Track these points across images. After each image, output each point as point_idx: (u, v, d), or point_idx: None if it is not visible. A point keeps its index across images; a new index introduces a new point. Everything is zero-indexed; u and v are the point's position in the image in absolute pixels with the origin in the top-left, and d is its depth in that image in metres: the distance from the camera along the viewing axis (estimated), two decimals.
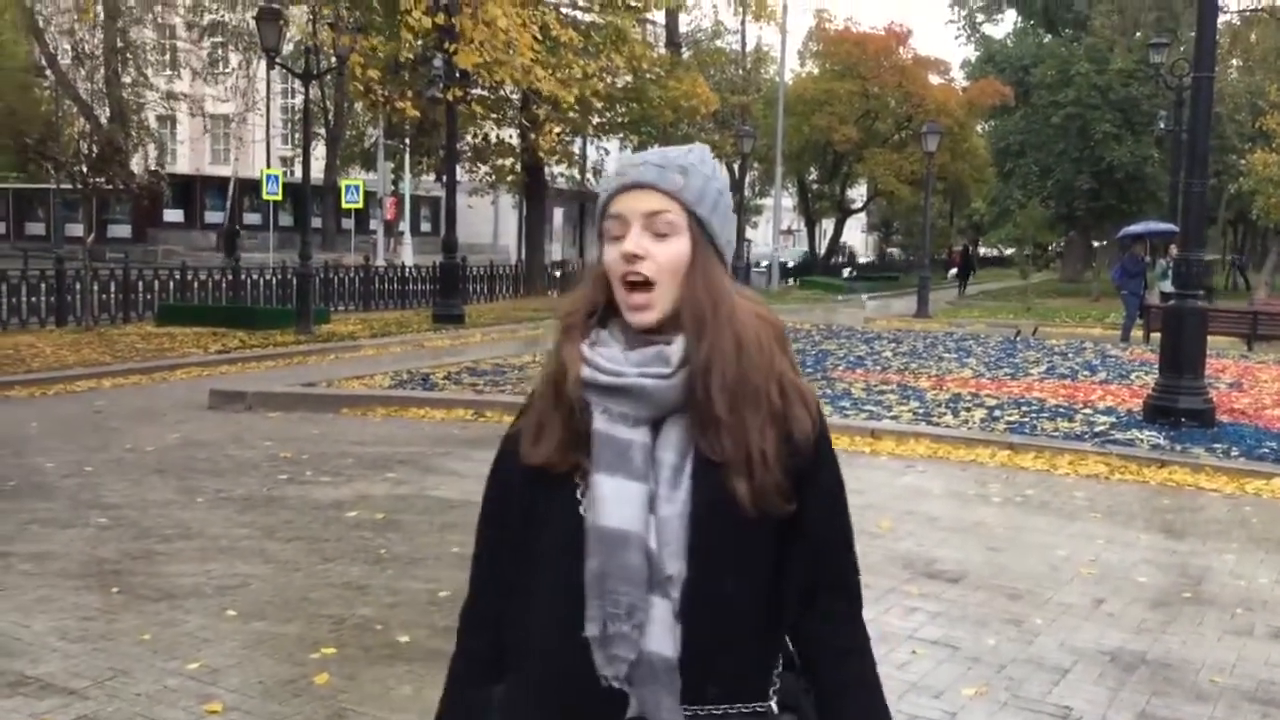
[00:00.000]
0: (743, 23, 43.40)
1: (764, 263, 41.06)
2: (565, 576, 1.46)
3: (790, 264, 46.56)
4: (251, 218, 38.11)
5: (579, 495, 1.48)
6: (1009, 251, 61.79)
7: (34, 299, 17.56)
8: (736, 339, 1.48)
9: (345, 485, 7.60)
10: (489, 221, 44.21)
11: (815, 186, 50.89)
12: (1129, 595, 5.51)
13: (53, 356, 13.98)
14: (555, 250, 39.41)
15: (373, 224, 35.13)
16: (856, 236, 73.81)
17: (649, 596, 1.43)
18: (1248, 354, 17.50)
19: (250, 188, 37.07)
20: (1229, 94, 39.61)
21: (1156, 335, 13.65)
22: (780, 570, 1.51)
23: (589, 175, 35.57)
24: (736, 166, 37.68)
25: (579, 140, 32.13)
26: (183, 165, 47.22)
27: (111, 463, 8.25)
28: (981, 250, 67.96)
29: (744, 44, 46.00)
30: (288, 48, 29.68)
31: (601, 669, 1.44)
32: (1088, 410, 10.70)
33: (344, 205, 32.97)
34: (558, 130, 24.87)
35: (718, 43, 44.37)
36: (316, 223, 35.04)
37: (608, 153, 35.53)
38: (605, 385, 1.47)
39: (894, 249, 70.44)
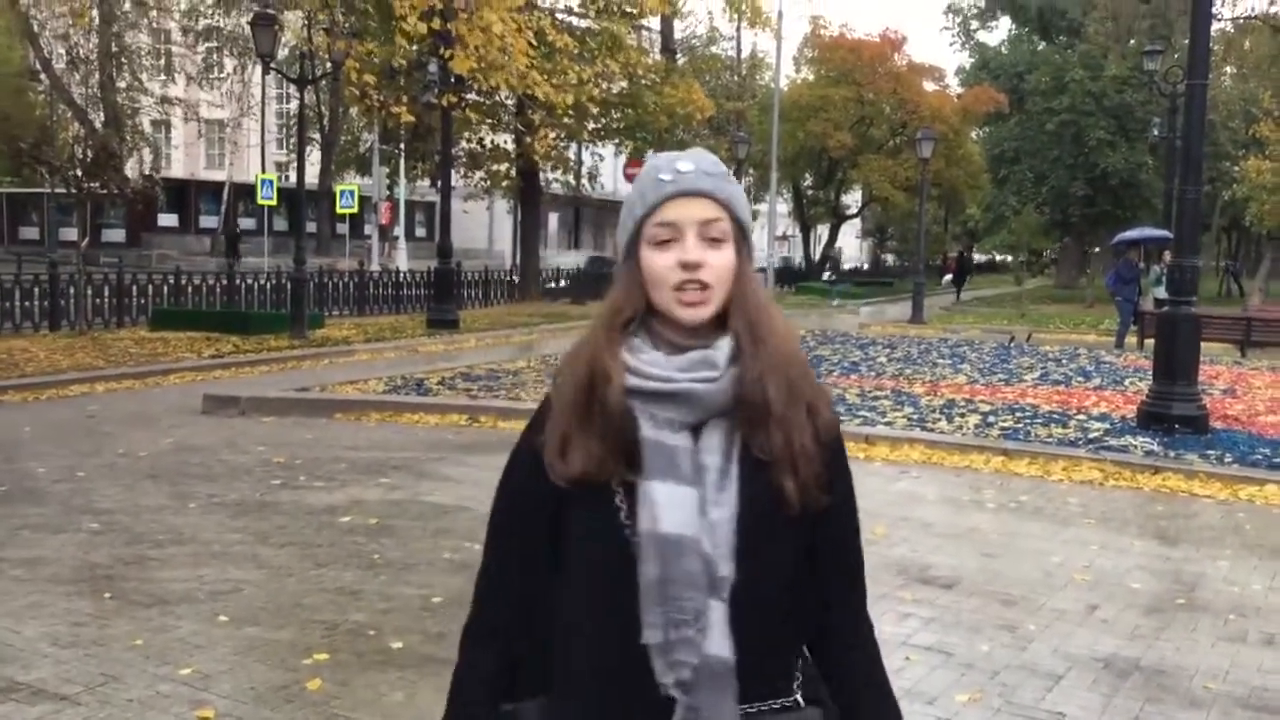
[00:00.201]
0: (738, 29, 43.61)
1: (758, 268, 41.00)
2: (614, 587, 1.45)
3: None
4: (246, 223, 38.11)
5: (618, 503, 1.47)
6: (1003, 258, 61.92)
7: (27, 303, 17.50)
8: (785, 339, 1.51)
9: (339, 490, 7.58)
10: (484, 226, 44.25)
11: (810, 192, 51.03)
12: (1123, 601, 5.51)
13: (46, 361, 13.95)
14: (550, 255, 39.40)
15: (367, 229, 35.12)
16: (851, 242, 73.97)
17: (709, 600, 1.43)
18: (1241, 360, 17.51)
19: (245, 192, 37.08)
20: (1223, 101, 39.80)
21: (1151, 341, 13.66)
22: (809, 566, 1.54)
23: (584, 181, 35.57)
24: (732, 172, 37.66)
25: (574, 146, 32.16)
26: (177, 170, 47.18)
27: (104, 467, 8.23)
28: (976, 256, 68.13)
29: (739, 50, 46.17)
30: (283, 53, 29.72)
31: (661, 676, 1.43)
32: (1082, 416, 10.71)
33: (339, 210, 33.04)
34: (553, 135, 24.85)
35: (713, 49, 44.52)
36: (311, 228, 35.05)
37: (602, 158, 35.56)
38: (654, 391, 1.46)
39: (889, 255, 70.58)
